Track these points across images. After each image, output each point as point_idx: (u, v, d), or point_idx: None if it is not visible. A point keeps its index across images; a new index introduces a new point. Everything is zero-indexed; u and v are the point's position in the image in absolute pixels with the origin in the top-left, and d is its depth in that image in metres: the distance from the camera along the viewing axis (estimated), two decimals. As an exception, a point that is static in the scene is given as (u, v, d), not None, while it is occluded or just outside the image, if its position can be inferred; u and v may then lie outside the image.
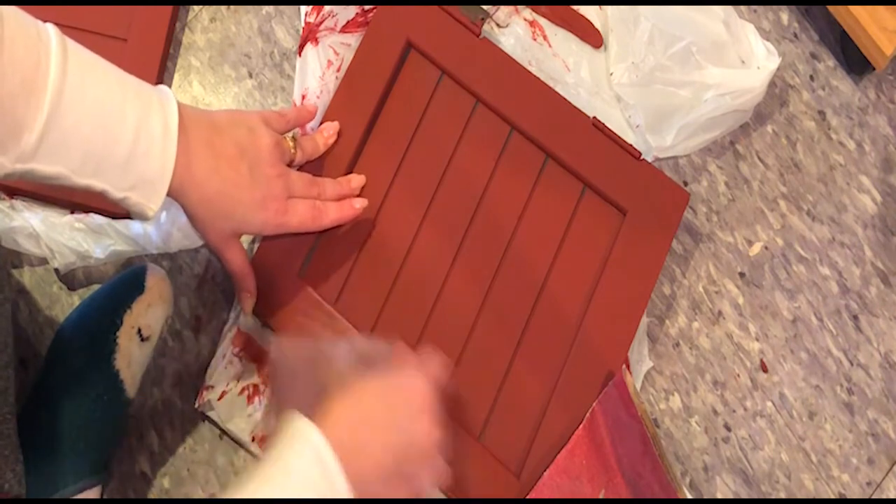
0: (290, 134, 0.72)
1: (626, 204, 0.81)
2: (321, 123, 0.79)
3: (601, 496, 0.74)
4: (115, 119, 0.55)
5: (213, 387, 0.74)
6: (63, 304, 0.77)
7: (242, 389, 0.75)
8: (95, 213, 0.73)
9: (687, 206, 0.83)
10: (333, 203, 0.72)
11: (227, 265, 0.68)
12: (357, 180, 0.76)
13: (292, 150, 0.70)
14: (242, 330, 0.76)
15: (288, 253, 0.75)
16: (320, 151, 0.76)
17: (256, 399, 0.75)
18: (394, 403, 0.57)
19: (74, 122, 0.53)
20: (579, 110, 0.83)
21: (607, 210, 0.82)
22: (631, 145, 0.82)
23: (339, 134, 0.78)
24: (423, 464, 0.57)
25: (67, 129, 0.53)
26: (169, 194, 0.59)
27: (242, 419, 0.74)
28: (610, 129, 0.82)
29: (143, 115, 0.56)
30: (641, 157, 0.82)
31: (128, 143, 0.55)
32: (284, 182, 0.67)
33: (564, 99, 0.83)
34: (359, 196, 0.76)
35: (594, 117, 0.82)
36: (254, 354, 0.76)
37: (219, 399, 0.74)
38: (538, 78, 0.83)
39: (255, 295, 0.71)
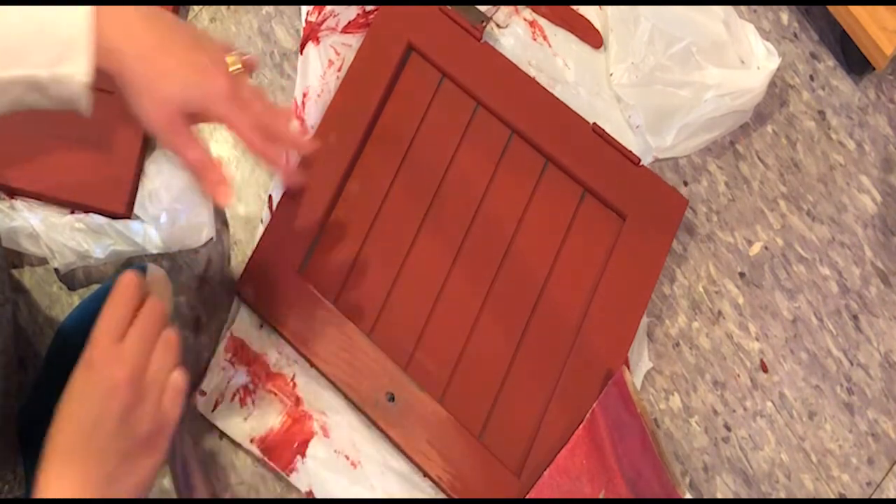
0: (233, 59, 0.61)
1: (626, 209, 0.81)
2: (321, 123, 0.79)
3: (601, 496, 0.74)
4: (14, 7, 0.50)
5: (205, 393, 0.75)
6: (63, 304, 0.77)
7: (233, 394, 0.75)
8: (95, 213, 0.73)
9: (685, 211, 0.83)
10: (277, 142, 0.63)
11: (181, 153, 0.57)
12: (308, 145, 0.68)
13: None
14: (235, 335, 0.76)
15: (288, 250, 0.75)
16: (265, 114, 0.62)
17: (249, 399, 0.75)
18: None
19: None
20: (579, 115, 0.83)
21: (607, 215, 0.82)
22: (630, 151, 0.82)
23: (341, 133, 0.78)
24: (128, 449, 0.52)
25: None
26: (101, 58, 0.51)
27: (239, 423, 0.74)
28: (609, 135, 0.82)
29: None
30: (640, 163, 0.82)
31: (36, 15, 0.50)
32: (228, 73, 0.58)
33: (564, 104, 0.83)
34: (353, 188, 0.75)
35: (594, 123, 0.83)
36: (246, 359, 0.76)
37: (213, 410, 0.74)
38: (538, 83, 0.83)
39: (227, 182, 0.59)
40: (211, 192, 0.59)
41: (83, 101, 0.52)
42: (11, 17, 0.50)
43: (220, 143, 0.82)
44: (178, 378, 0.53)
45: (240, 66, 0.60)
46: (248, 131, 0.59)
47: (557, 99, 0.83)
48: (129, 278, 0.53)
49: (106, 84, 0.53)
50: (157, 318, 0.53)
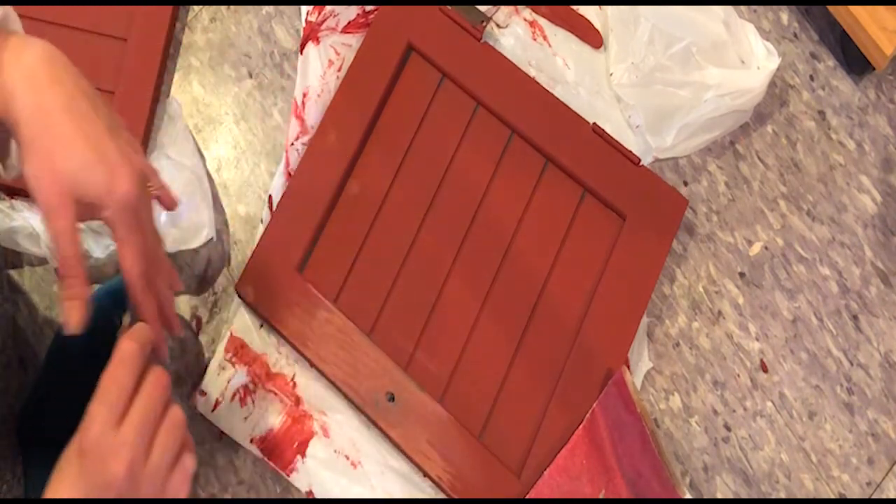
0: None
1: (626, 209, 0.81)
2: (321, 123, 0.79)
3: (601, 496, 0.74)
4: None
5: (206, 393, 0.74)
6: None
7: (234, 394, 0.75)
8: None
9: (685, 211, 0.83)
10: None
11: (55, 239, 0.48)
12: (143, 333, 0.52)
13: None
14: (236, 335, 0.76)
15: (288, 250, 0.75)
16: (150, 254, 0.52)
17: (249, 399, 0.75)
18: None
19: None
20: (579, 115, 0.83)
21: (607, 214, 0.82)
22: (630, 151, 0.82)
23: (342, 133, 0.78)
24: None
25: None
26: None
27: (239, 423, 0.74)
28: (609, 135, 0.82)
29: None
30: (640, 163, 0.82)
31: None
32: (138, 170, 0.49)
33: (564, 104, 0.83)
34: (353, 188, 0.75)
35: (594, 123, 0.83)
36: (246, 359, 0.76)
37: (212, 410, 0.74)
38: (539, 83, 0.83)
39: (81, 299, 0.49)
40: (64, 299, 0.49)
41: None
42: None
43: (219, 143, 0.82)
44: (188, 462, 0.48)
45: (154, 190, 0.53)
46: (135, 256, 0.50)
47: (557, 99, 0.83)
48: (128, 349, 0.47)
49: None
50: (160, 395, 0.47)
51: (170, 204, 0.56)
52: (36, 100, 0.45)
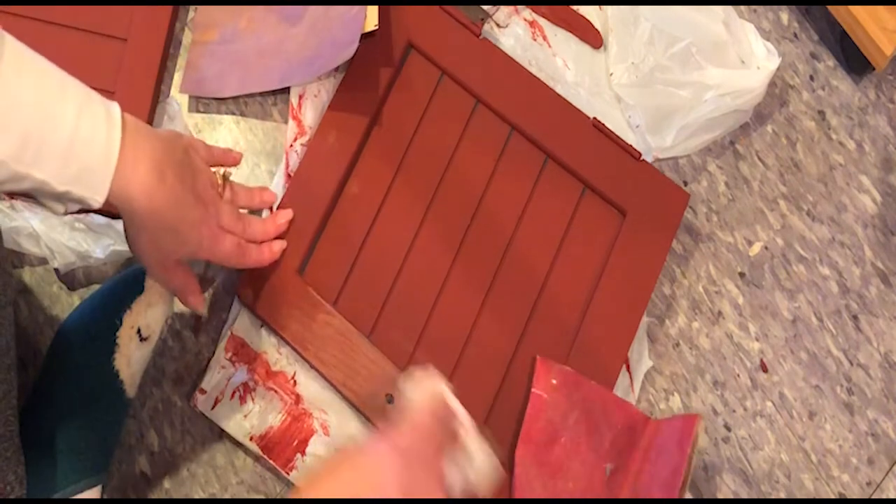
0: (221, 171, 0.70)
1: (626, 205, 0.81)
2: (321, 123, 0.79)
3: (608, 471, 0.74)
4: (55, 100, 0.52)
5: (206, 391, 0.75)
6: (63, 304, 0.77)
7: (234, 392, 0.75)
8: (95, 213, 0.73)
9: (687, 206, 0.83)
10: (255, 246, 0.71)
11: (175, 288, 0.67)
12: (284, 216, 0.75)
13: (220, 185, 0.69)
14: (236, 334, 0.76)
15: (288, 251, 0.75)
16: (250, 205, 0.74)
17: (248, 397, 0.75)
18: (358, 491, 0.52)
19: (11, 101, 0.50)
20: (579, 111, 0.83)
21: (607, 210, 0.82)
22: (631, 146, 0.82)
23: (341, 134, 0.78)
24: None
25: (3, 108, 0.50)
26: (114, 196, 0.55)
27: (239, 421, 0.74)
28: (610, 130, 0.82)
29: (84, 102, 0.54)
30: (641, 158, 0.82)
31: (69, 126, 0.52)
32: (216, 209, 0.66)
33: (564, 99, 0.83)
34: (353, 188, 0.75)
35: (594, 118, 0.83)
36: (246, 358, 0.76)
37: (212, 408, 0.74)
38: (538, 79, 0.83)
39: (202, 301, 0.70)
40: (191, 307, 0.69)
41: (91, 209, 0.57)
42: (46, 111, 0.52)
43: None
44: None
45: (225, 174, 0.69)
46: (234, 261, 0.69)
47: (557, 94, 0.83)
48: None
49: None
50: None
51: (233, 162, 0.72)
52: (149, 205, 0.57)
